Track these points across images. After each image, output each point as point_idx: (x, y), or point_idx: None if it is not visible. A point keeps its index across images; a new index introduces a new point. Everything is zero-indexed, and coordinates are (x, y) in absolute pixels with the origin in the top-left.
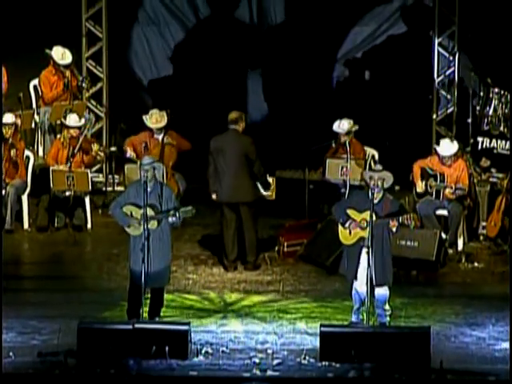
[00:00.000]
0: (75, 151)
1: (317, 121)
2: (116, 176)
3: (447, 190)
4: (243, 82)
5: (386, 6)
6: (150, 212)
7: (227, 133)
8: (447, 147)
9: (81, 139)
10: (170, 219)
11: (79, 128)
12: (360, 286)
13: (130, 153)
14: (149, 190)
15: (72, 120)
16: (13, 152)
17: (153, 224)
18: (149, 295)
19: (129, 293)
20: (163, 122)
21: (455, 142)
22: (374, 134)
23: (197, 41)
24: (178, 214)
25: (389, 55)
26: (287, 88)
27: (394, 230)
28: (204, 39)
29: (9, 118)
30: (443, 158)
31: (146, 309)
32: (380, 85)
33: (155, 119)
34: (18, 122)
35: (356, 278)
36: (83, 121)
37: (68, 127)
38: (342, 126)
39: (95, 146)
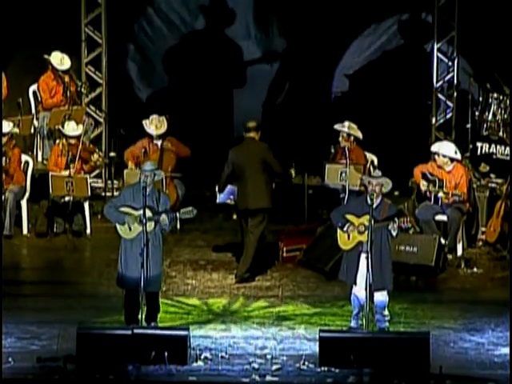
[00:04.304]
0: (75, 160)
1: (316, 128)
2: (115, 181)
3: (443, 195)
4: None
5: (384, 20)
6: (147, 213)
7: (245, 142)
8: (439, 145)
9: (80, 147)
10: (163, 221)
11: (78, 137)
12: (359, 291)
13: (130, 166)
14: (146, 193)
15: (70, 128)
16: (3, 159)
17: (149, 225)
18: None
19: (125, 299)
20: (163, 129)
21: (452, 147)
22: (373, 140)
23: (191, 51)
24: (175, 215)
25: (388, 63)
26: (285, 100)
27: (394, 233)
28: (198, 50)
29: (5, 127)
30: (434, 154)
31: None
32: (379, 91)
33: (155, 125)
34: (15, 130)
35: (355, 283)
36: (81, 128)
37: (66, 136)
38: (343, 126)
39: (94, 156)
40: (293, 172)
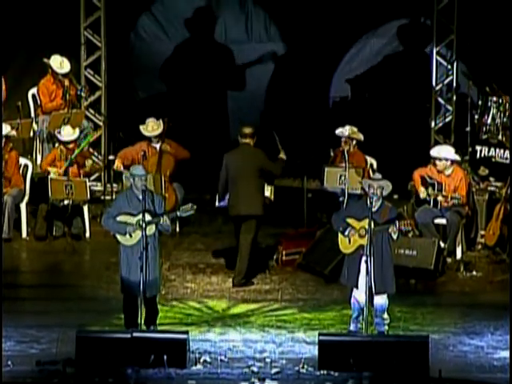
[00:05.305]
0: (68, 163)
1: (315, 132)
2: (114, 185)
3: (442, 199)
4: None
5: (384, 25)
6: (147, 217)
7: (240, 147)
8: (438, 149)
9: (76, 152)
10: (165, 222)
11: (74, 141)
12: (360, 294)
13: (116, 165)
14: (141, 197)
15: (66, 133)
16: None
17: (150, 229)
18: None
19: (124, 304)
20: (159, 130)
21: (452, 149)
22: (372, 143)
23: (187, 57)
24: (175, 214)
25: (387, 67)
26: (284, 103)
27: (395, 236)
28: (194, 55)
29: (3, 130)
30: (434, 159)
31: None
32: (379, 94)
33: (151, 127)
34: (12, 133)
35: (357, 286)
36: (77, 132)
37: (61, 142)
38: (344, 130)
39: (88, 162)
40: (282, 155)
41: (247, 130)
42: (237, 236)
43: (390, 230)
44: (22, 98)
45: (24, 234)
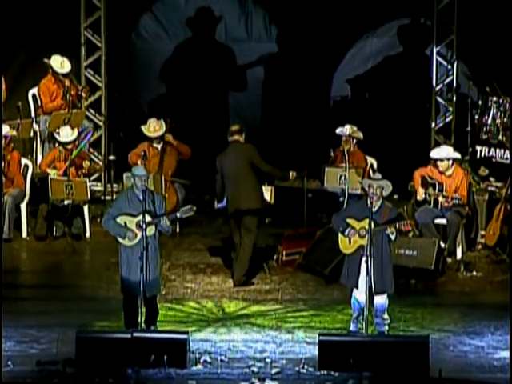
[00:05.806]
0: (68, 164)
1: (315, 132)
2: (115, 185)
3: (443, 199)
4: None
5: (384, 25)
6: (147, 217)
7: (231, 146)
8: (438, 150)
9: (74, 153)
10: (165, 223)
11: (73, 142)
12: (360, 294)
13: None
14: (141, 198)
15: (64, 134)
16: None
17: (150, 230)
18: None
19: (124, 303)
20: (161, 131)
21: (451, 149)
22: (372, 143)
23: (188, 56)
24: (175, 215)
25: (387, 67)
26: (285, 104)
27: (393, 237)
28: (194, 56)
29: (4, 130)
30: (435, 161)
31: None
32: (379, 94)
33: (153, 128)
34: (13, 133)
35: (357, 286)
36: (76, 133)
37: (60, 143)
38: (345, 129)
39: (86, 163)
40: (292, 174)
41: (234, 128)
42: (235, 233)
43: (388, 231)
44: (21, 98)
45: (24, 234)
